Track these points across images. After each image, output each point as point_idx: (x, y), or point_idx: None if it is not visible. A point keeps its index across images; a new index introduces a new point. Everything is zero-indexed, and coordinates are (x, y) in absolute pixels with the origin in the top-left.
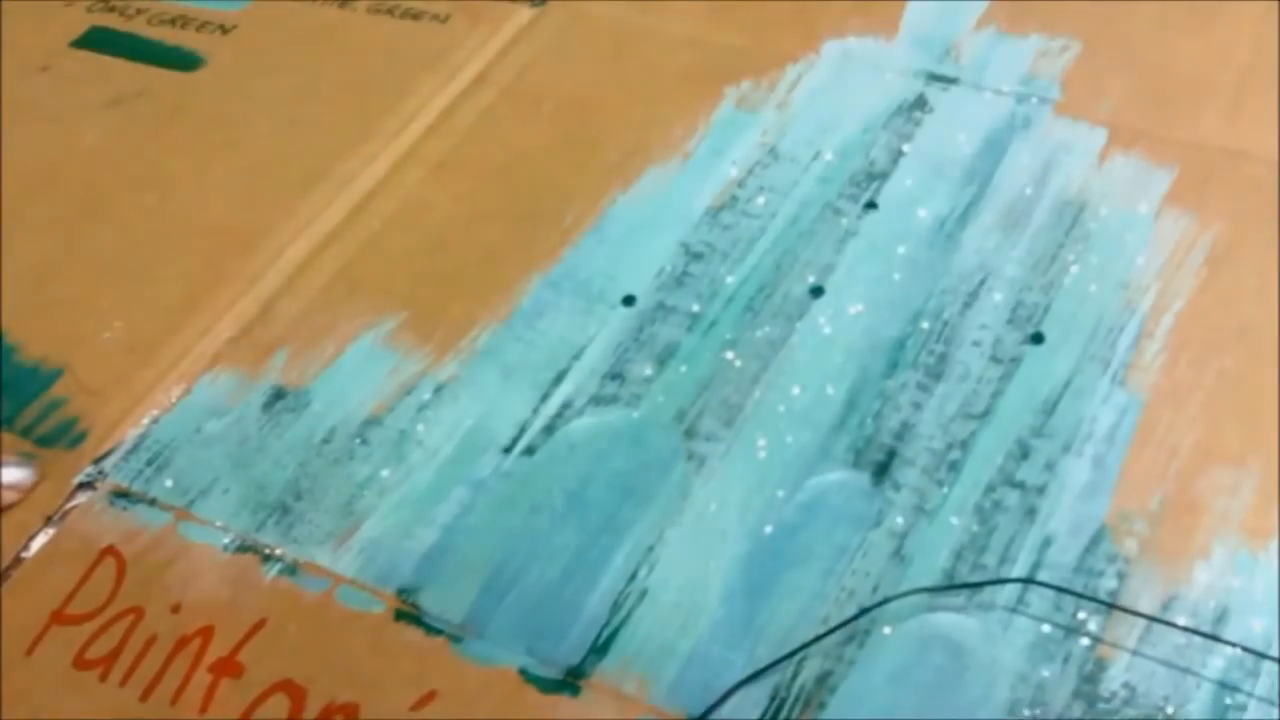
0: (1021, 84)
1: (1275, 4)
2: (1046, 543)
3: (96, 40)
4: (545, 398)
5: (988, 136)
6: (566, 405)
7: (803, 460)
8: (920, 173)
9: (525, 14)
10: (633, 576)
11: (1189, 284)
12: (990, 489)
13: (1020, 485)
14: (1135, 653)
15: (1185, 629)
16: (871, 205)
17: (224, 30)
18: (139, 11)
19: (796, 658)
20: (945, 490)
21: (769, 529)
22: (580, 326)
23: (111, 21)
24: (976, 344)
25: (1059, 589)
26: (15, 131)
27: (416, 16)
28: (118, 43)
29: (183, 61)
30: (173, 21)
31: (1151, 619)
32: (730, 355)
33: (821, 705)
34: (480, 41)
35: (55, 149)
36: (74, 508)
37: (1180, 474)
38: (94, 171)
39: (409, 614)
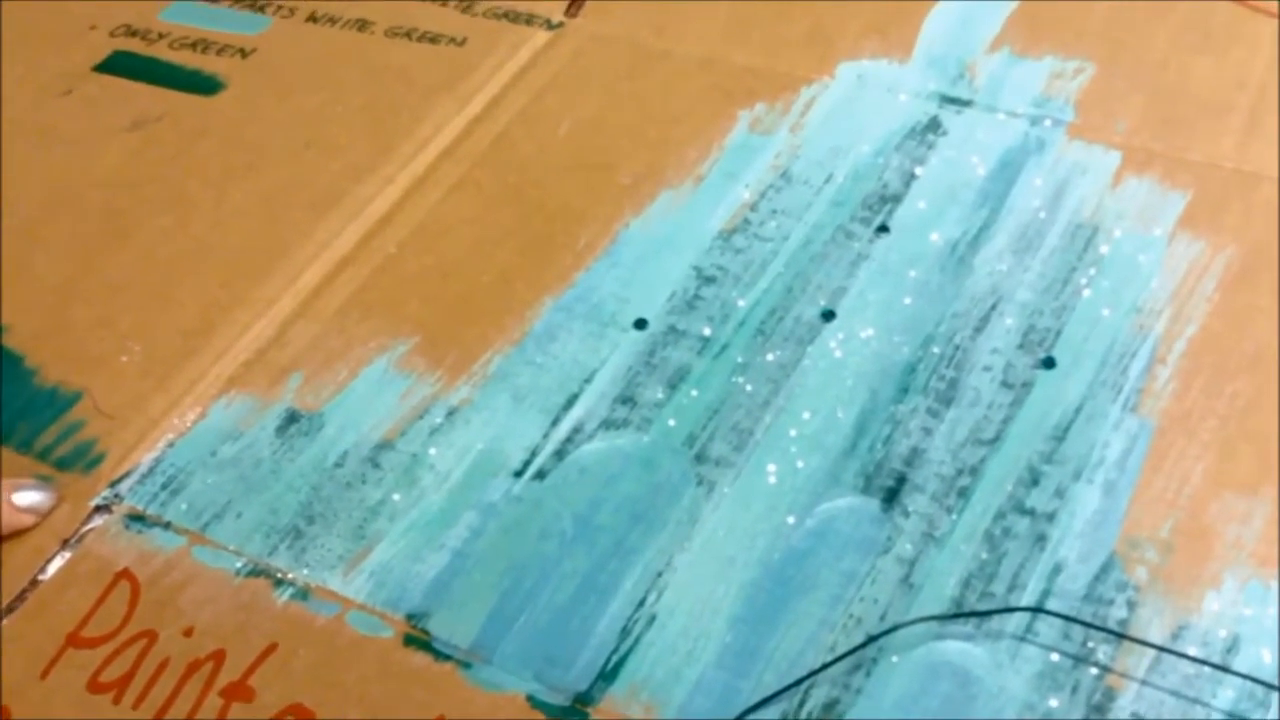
0: (1035, 106)
1: None
2: (1056, 570)
3: (119, 65)
4: (556, 422)
5: (1001, 159)
6: (577, 429)
7: (812, 486)
8: (933, 196)
9: (541, 37)
10: (641, 602)
11: (1202, 308)
12: (1000, 516)
13: (1030, 512)
14: (1144, 683)
15: (1195, 659)
16: (883, 228)
17: (244, 54)
18: (161, 36)
19: (804, 685)
20: (954, 517)
21: (777, 555)
22: (592, 350)
23: (134, 46)
24: (987, 369)
25: (1068, 618)
26: (37, 155)
27: (434, 40)
28: (139, 67)
29: (203, 85)
30: (194, 45)
31: (1161, 649)
32: (741, 379)
33: None
34: (497, 64)
35: (76, 172)
36: (90, 531)
37: (1191, 501)
38: (114, 195)
39: (418, 639)
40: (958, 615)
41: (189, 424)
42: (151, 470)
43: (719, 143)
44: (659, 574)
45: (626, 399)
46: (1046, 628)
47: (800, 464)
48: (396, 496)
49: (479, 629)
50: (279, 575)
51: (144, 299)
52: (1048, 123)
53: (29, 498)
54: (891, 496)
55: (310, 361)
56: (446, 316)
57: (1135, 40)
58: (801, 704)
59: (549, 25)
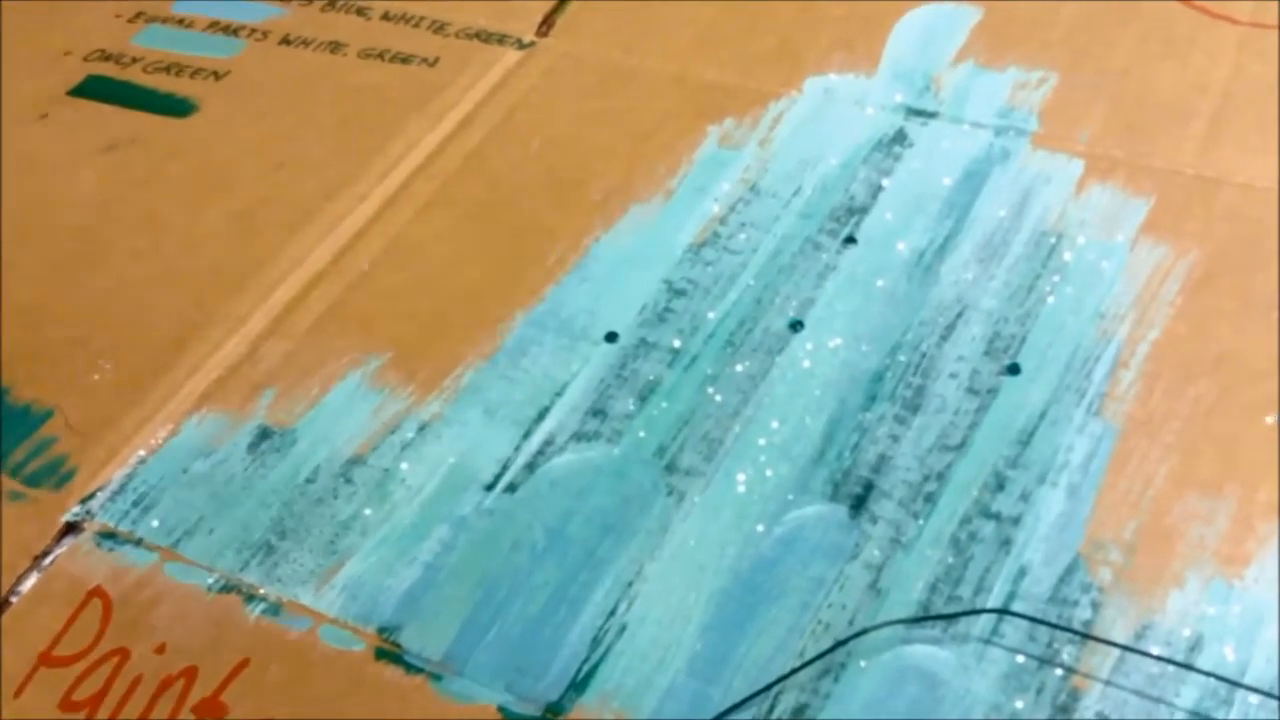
0: (999, 116)
1: (1252, 30)
2: (1021, 573)
3: (93, 89)
4: (527, 435)
5: (966, 169)
6: (548, 442)
7: (781, 494)
8: (899, 207)
9: (513, 56)
10: (612, 612)
11: (1165, 313)
12: (966, 520)
13: (996, 516)
14: (1108, 683)
15: (1159, 658)
16: (851, 240)
17: (217, 76)
18: (135, 60)
19: (773, 691)
20: (921, 522)
21: (747, 563)
22: (563, 364)
23: (108, 70)
24: (953, 376)
25: (1033, 619)
26: (12, 178)
27: (406, 60)
28: (113, 91)
29: (176, 108)
30: (168, 69)
31: (1125, 648)
32: (711, 390)
33: None
34: (469, 83)
35: (51, 195)
36: (62, 548)
37: (1155, 503)
38: (88, 216)
39: (390, 652)
40: (924, 619)
41: (161, 441)
42: (123, 487)
43: (688, 157)
44: (629, 584)
45: (597, 411)
46: (1012, 630)
47: (769, 473)
48: (368, 511)
49: (450, 641)
50: (251, 591)
51: (117, 318)
52: (1012, 133)
53: None
54: (859, 503)
55: (283, 378)
56: (419, 332)
57: (1098, 49)
58: (771, 709)
59: (520, 44)
